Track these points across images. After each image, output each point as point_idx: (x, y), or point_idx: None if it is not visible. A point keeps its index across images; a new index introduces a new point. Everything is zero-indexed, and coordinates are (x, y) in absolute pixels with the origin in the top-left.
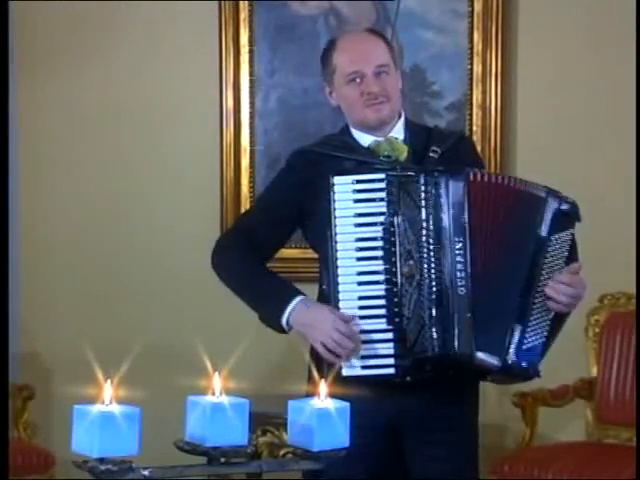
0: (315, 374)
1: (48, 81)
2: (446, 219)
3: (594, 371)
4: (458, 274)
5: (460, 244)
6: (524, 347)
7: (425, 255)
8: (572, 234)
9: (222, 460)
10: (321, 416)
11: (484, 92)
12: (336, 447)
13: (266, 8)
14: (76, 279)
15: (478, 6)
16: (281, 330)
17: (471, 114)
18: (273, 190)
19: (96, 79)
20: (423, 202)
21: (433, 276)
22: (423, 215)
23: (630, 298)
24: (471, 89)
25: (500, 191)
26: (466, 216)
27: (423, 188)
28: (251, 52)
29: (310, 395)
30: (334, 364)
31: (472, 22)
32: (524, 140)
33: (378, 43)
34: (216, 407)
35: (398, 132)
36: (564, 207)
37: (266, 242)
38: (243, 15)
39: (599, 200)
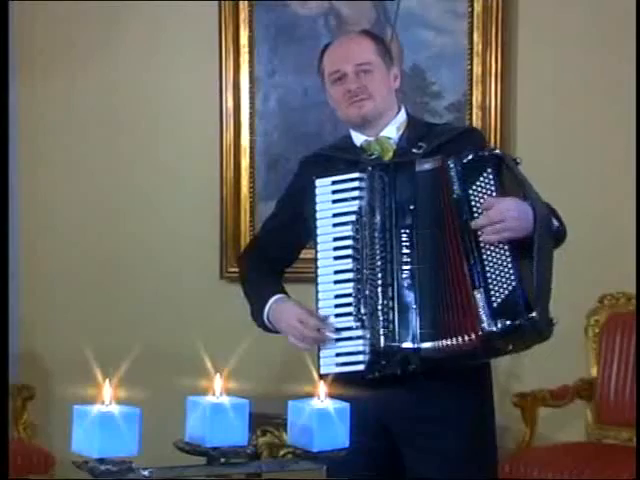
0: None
1: (48, 81)
2: (393, 211)
3: (594, 371)
4: (403, 267)
5: (407, 235)
6: (494, 305)
7: (378, 251)
8: (492, 171)
9: (222, 460)
10: (321, 416)
11: (484, 92)
12: (336, 447)
13: (266, 8)
14: (76, 279)
15: (478, 6)
16: (266, 328)
17: (471, 114)
18: (284, 195)
19: (96, 79)
20: (377, 199)
21: (381, 271)
22: (377, 211)
23: (630, 298)
24: (471, 89)
25: (433, 174)
26: (412, 207)
27: (380, 184)
28: (251, 52)
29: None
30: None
31: (472, 22)
32: (524, 140)
33: (363, 42)
34: (216, 407)
35: (391, 131)
36: (464, 160)
37: (280, 248)
38: (243, 15)
39: (599, 200)
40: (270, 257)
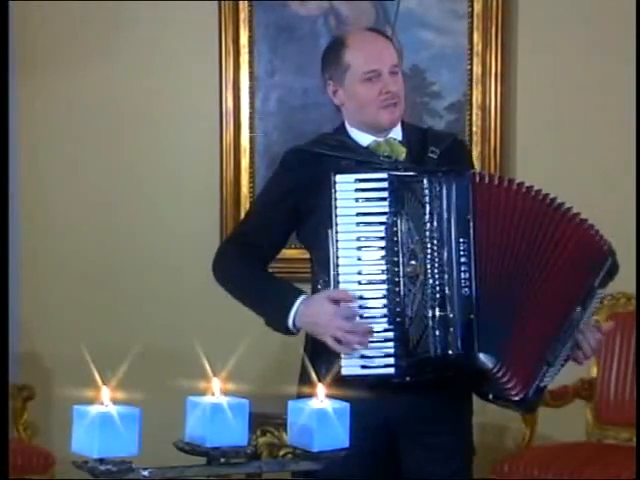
0: (312, 374)
1: (48, 81)
2: (451, 219)
3: (594, 371)
4: (462, 275)
5: (464, 244)
6: (542, 384)
7: (429, 255)
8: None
9: (222, 460)
10: (321, 416)
11: (484, 92)
12: (336, 447)
13: (266, 8)
14: (76, 279)
15: (478, 6)
16: (288, 332)
17: (471, 114)
18: (268, 191)
19: (96, 79)
20: (427, 202)
21: (437, 276)
22: (427, 215)
23: (630, 298)
24: (471, 89)
25: (514, 198)
26: (471, 216)
27: (427, 188)
28: (251, 52)
29: (302, 396)
30: (332, 363)
31: (472, 22)
32: (523, 140)
33: (388, 42)
34: (216, 407)
35: (396, 133)
36: (612, 264)
37: (264, 245)
38: (243, 15)
39: (598, 200)
40: (267, 257)
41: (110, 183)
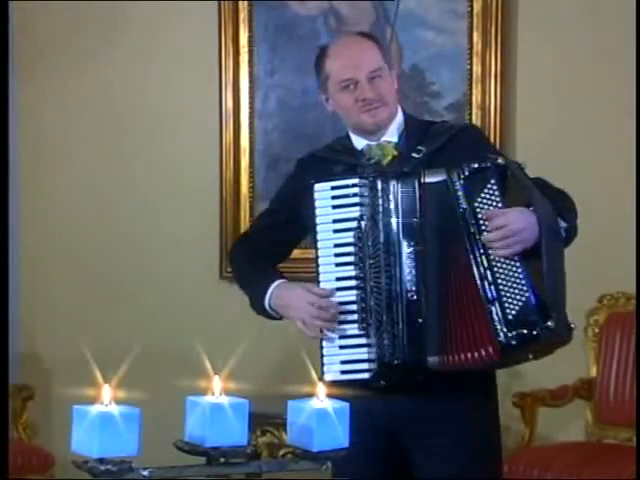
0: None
1: (48, 81)
2: (398, 223)
3: (593, 371)
4: (408, 279)
5: (411, 248)
6: (510, 317)
7: (381, 261)
8: (495, 182)
9: (222, 460)
10: (320, 416)
11: (484, 92)
12: (335, 447)
13: (266, 8)
14: (76, 279)
15: (478, 6)
16: (269, 316)
17: (471, 114)
18: (277, 195)
19: (96, 79)
20: (380, 207)
21: (387, 282)
22: (380, 220)
23: (630, 298)
24: (471, 89)
25: (437, 187)
26: (416, 219)
27: (380, 193)
28: (251, 52)
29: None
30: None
31: (472, 22)
32: (523, 140)
33: (369, 47)
34: (216, 407)
35: (393, 134)
36: (466, 172)
37: (267, 242)
38: (243, 15)
39: (599, 200)
40: (263, 254)
41: (110, 183)
